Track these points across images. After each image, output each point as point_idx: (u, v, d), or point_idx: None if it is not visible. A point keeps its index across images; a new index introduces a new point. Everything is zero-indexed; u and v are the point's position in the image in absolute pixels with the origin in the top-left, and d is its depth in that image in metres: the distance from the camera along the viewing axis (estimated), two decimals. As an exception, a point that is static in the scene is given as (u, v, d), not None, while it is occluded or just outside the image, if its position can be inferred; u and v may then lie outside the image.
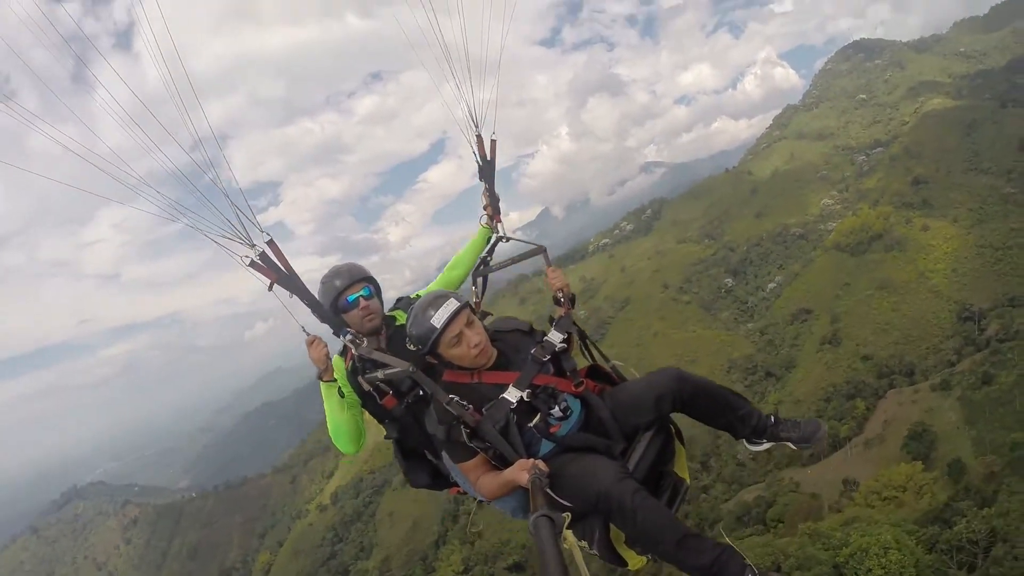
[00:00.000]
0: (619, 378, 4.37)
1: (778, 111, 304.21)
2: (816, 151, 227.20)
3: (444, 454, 4.04)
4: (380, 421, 4.48)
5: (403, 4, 4.63)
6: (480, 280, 5.14)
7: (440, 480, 4.63)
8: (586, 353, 4.46)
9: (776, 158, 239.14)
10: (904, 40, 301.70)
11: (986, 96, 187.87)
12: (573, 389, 3.97)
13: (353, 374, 4.29)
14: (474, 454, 3.79)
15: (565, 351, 4.08)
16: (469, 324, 3.81)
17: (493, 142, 5.31)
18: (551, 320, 4.26)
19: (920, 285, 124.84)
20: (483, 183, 5.35)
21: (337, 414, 4.30)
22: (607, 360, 4.46)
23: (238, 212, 3.97)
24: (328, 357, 4.18)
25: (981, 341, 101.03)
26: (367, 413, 4.49)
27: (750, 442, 4.17)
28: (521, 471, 3.44)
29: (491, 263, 5.19)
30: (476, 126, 5.22)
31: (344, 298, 4.39)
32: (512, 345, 4.08)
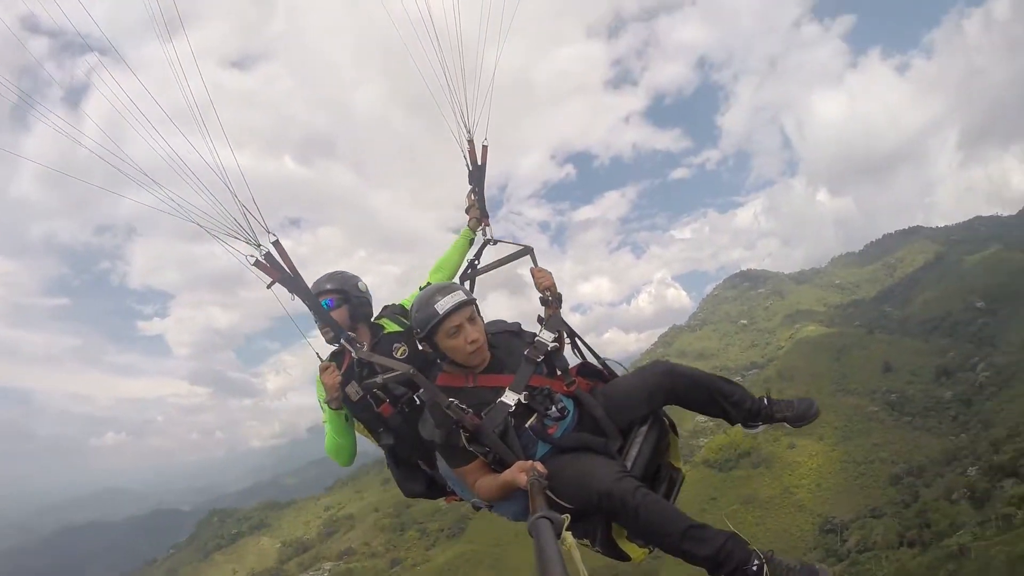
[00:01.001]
0: (610, 374, 4.38)
1: (665, 329, 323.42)
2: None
3: (440, 459, 4.06)
4: (373, 431, 4.46)
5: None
6: (467, 284, 5.20)
7: (434, 489, 4.62)
8: (577, 351, 4.47)
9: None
10: (787, 272, 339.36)
11: (856, 323, 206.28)
12: (565, 389, 3.96)
13: (343, 384, 4.27)
14: (472, 458, 3.77)
15: (557, 350, 4.10)
16: (471, 320, 3.81)
17: (484, 147, 5.33)
18: (539, 320, 4.23)
19: (785, 500, 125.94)
20: (472, 187, 5.38)
21: (340, 437, 4.42)
22: (598, 357, 4.46)
23: (245, 212, 4.00)
24: (340, 386, 4.22)
25: (842, 552, 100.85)
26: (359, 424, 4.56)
27: (746, 426, 4.19)
28: (519, 473, 3.40)
29: (479, 266, 5.26)
30: (468, 131, 5.26)
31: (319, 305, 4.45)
32: (504, 347, 4.06)
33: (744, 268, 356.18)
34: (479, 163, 5.33)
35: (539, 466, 3.37)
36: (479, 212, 5.31)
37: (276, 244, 4.13)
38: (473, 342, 3.76)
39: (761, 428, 4.19)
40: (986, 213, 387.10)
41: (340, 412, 4.29)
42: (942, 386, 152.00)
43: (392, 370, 3.98)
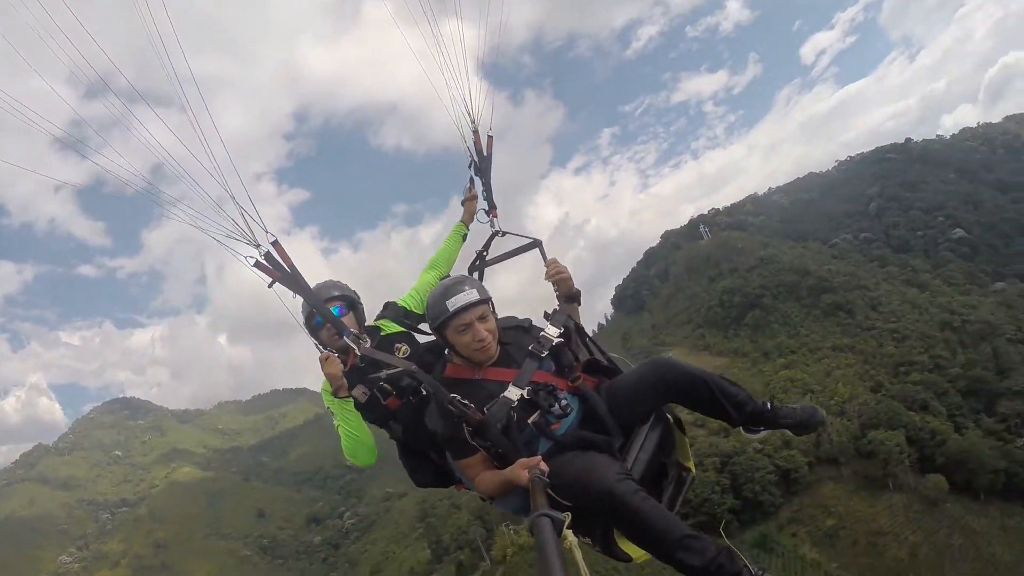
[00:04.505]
0: (616, 371, 4.34)
1: (31, 446, 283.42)
2: (59, 500, 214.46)
3: (446, 451, 4.07)
4: (382, 425, 4.46)
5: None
6: (476, 275, 5.12)
7: (445, 478, 4.57)
8: (583, 347, 4.42)
9: (15, 500, 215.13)
10: (171, 408, 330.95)
11: (233, 470, 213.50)
12: (569, 385, 3.97)
13: (350, 385, 4.27)
14: (474, 451, 3.76)
15: (562, 346, 4.08)
16: (482, 319, 3.82)
17: (490, 138, 5.30)
18: (546, 315, 4.27)
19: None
20: (478, 178, 5.35)
21: (355, 428, 4.28)
22: (604, 353, 4.42)
23: (243, 213, 3.99)
24: (342, 374, 4.17)
25: None
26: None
27: (747, 430, 4.17)
28: (521, 470, 3.39)
29: (487, 258, 5.19)
30: (472, 121, 5.21)
31: (314, 319, 4.52)
32: (514, 342, 4.08)
33: (129, 394, 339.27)
34: (485, 154, 5.27)
35: (542, 464, 3.37)
36: (487, 204, 5.28)
37: (275, 244, 4.10)
38: (479, 341, 3.79)
39: (763, 433, 4.18)
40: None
41: (348, 400, 4.23)
42: (312, 532, 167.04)
43: (394, 366, 3.99)
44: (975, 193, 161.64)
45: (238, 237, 4.01)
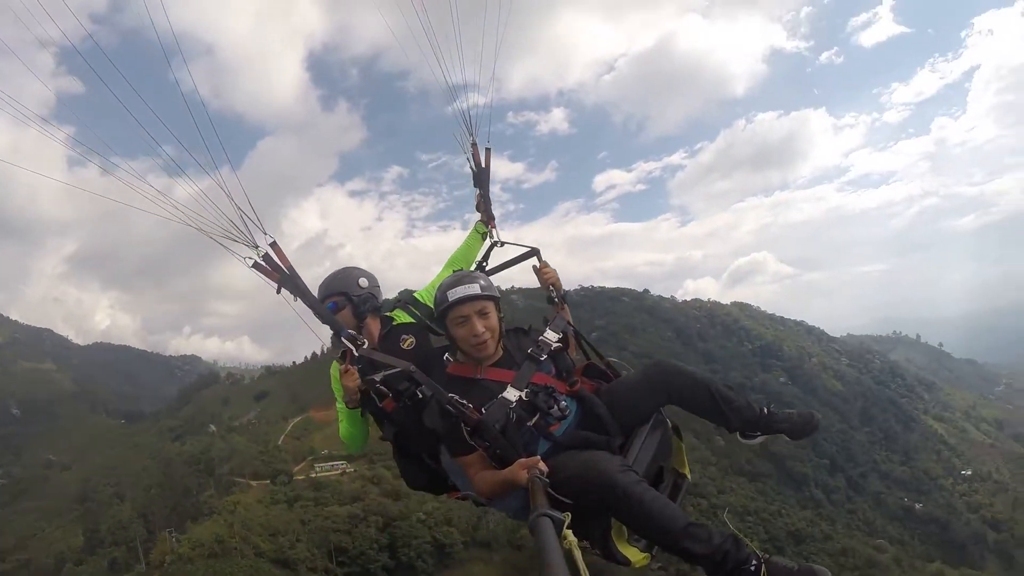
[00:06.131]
0: (615, 375, 4.40)
1: None
2: None
3: (443, 448, 4.05)
4: (379, 422, 4.46)
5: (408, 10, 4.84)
6: None
7: (438, 483, 4.51)
8: (582, 351, 4.49)
9: None
10: None
11: None
12: (568, 388, 4.01)
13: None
14: (473, 449, 3.73)
15: (560, 350, 4.14)
16: (482, 314, 3.87)
17: (487, 150, 5.39)
18: (545, 320, 4.34)
19: None
20: (476, 189, 5.38)
21: (353, 428, 4.50)
22: (602, 357, 4.48)
23: (242, 214, 4.02)
24: (359, 389, 4.16)
25: None
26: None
27: (744, 436, 4.12)
28: (521, 470, 3.36)
29: (487, 268, 5.20)
30: (471, 133, 5.30)
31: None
32: (515, 344, 4.16)
33: None
34: (483, 165, 5.32)
35: (541, 464, 3.31)
36: (486, 215, 5.31)
37: (273, 245, 4.08)
38: (475, 336, 3.80)
39: (760, 438, 4.09)
40: (59, 331, 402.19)
41: (356, 411, 4.29)
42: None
43: (391, 366, 3.89)
44: (684, 354, 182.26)
45: (236, 238, 3.99)
